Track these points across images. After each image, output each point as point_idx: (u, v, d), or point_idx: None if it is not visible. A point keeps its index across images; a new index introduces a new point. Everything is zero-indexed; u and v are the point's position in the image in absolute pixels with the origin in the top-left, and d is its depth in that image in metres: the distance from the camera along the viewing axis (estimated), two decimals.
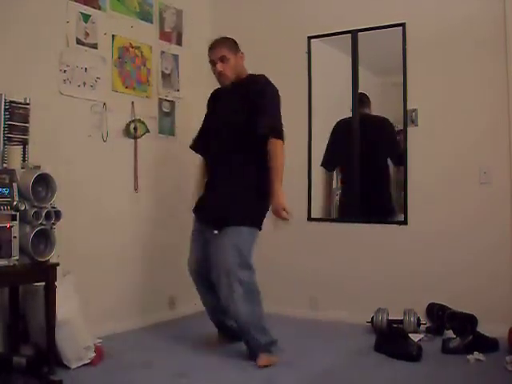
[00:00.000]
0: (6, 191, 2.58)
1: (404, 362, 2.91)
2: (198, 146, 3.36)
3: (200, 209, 3.24)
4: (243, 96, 3.11)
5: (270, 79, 3.30)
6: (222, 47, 3.18)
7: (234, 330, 3.15)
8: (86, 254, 3.30)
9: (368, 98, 3.99)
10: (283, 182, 3.39)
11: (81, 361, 2.83)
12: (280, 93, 3.19)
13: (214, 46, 3.22)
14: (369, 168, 3.90)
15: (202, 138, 3.34)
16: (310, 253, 3.96)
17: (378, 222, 3.86)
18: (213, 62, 3.19)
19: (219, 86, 3.30)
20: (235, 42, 3.23)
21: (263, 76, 3.16)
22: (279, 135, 3.02)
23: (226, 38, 3.24)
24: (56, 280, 2.73)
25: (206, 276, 3.17)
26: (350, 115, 3.94)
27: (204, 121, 3.37)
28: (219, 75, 3.19)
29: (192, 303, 3.75)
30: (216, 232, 3.03)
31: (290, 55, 4.11)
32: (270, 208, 3.02)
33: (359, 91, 3.92)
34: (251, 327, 2.94)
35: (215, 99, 3.36)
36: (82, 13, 3.36)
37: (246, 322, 2.94)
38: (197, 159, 3.53)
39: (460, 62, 3.56)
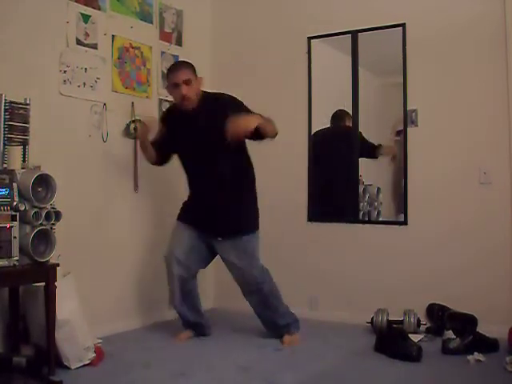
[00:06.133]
0: (5, 191, 2.58)
1: (404, 362, 2.91)
2: (165, 160, 3.37)
3: (197, 219, 3.28)
4: (221, 111, 3.04)
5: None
6: (186, 70, 3.14)
7: (204, 326, 3.46)
8: (85, 254, 3.31)
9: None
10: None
11: (81, 361, 2.83)
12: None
13: (177, 69, 3.16)
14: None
15: (168, 152, 3.32)
16: (310, 253, 3.96)
17: (379, 222, 3.86)
18: (175, 85, 3.11)
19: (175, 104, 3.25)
20: (194, 67, 3.20)
21: (227, 94, 3.21)
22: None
23: (187, 61, 3.23)
24: (56, 280, 2.73)
25: (189, 273, 3.36)
26: None
27: (170, 138, 3.26)
28: (183, 99, 3.11)
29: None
30: (220, 239, 3.24)
31: (290, 55, 4.11)
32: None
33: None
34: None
35: (178, 119, 3.23)
36: (81, 13, 3.36)
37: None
38: None
39: (460, 62, 3.55)
